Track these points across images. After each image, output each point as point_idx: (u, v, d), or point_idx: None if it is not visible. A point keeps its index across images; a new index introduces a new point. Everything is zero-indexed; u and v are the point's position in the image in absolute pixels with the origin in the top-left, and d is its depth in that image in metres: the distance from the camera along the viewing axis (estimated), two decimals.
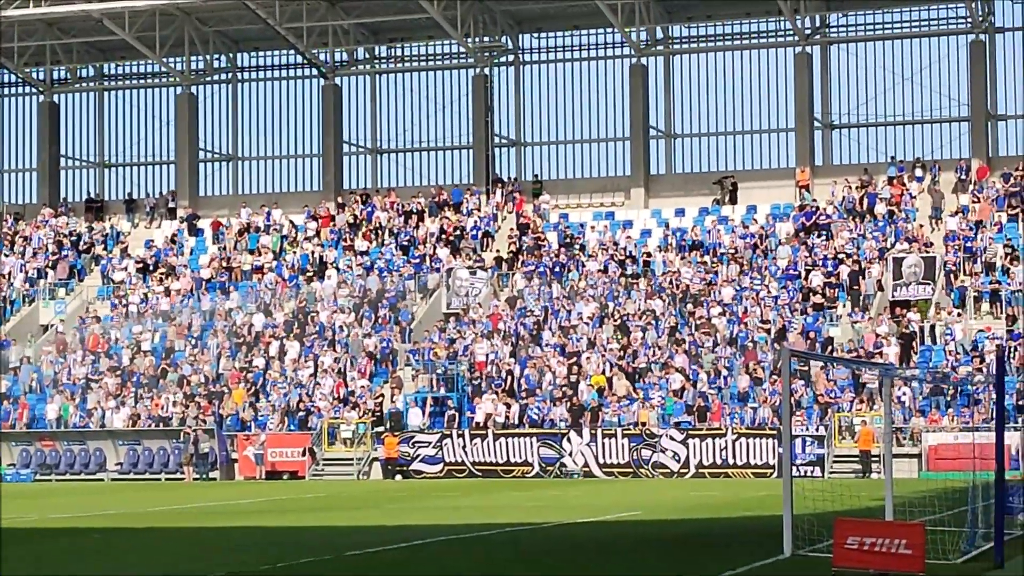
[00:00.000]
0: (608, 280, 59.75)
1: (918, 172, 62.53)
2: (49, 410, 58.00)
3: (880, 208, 60.85)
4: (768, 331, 54.45)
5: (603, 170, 69.40)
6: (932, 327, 53.69)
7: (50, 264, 67.90)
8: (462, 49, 68.85)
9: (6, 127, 75.78)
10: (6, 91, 75.60)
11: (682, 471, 49.93)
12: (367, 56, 71.75)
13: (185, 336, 61.22)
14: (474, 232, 64.24)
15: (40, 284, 66.96)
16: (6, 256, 68.75)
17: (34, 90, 74.59)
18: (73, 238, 69.54)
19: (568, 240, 63.15)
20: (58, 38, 70.14)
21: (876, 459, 47.73)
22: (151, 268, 66.66)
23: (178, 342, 60.95)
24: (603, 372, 53.79)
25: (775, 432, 48.45)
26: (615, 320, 56.85)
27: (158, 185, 74.02)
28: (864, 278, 56.86)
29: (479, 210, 65.93)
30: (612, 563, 22.21)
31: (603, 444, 50.80)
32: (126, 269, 66.92)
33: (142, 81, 74.47)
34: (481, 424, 52.79)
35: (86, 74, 74.71)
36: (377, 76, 71.82)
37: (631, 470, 50.38)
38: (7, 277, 67.46)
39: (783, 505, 21.42)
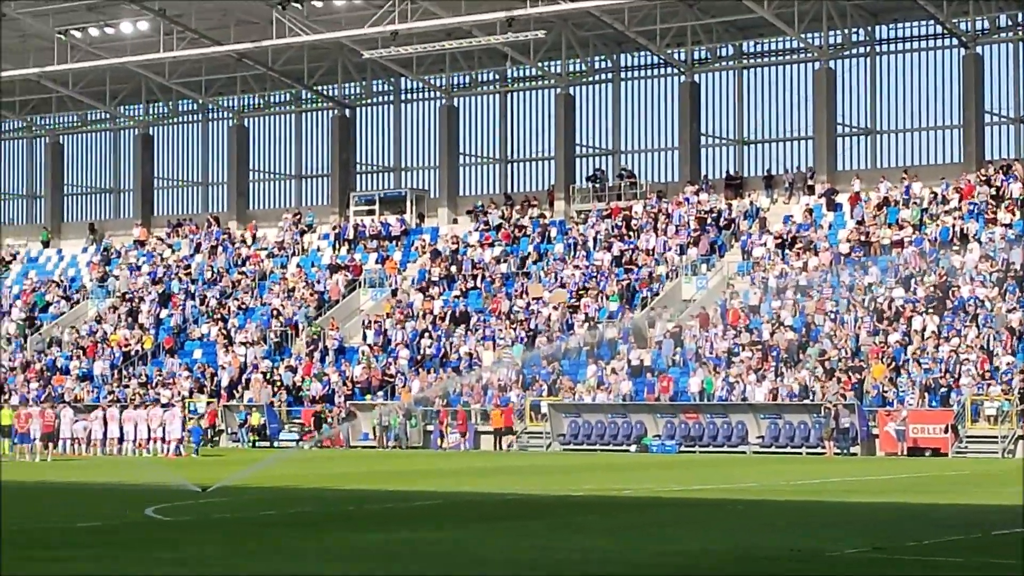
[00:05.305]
0: None
1: None
2: (692, 383, 59.33)
3: None
4: None
5: None
6: None
7: (692, 240, 69.40)
8: None
9: (650, 107, 78.13)
10: (648, 72, 77.90)
11: None
12: (1009, 24, 69.44)
13: (824, 311, 61.18)
14: None
15: (682, 260, 68.54)
16: (651, 233, 70.80)
17: (675, 71, 76.43)
18: (713, 215, 70.81)
19: None
20: (698, 18, 71.57)
21: None
22: (789, 243, 66.99)
23: (817, 317, 60.98)
24: None
25: None
26: None
27: (796, 160, 74.44)
28: None
29: None
30: None
31: None
32: (765, 245, 67.56)
33: (780, 57, 74.96)
34: None
35: (725, 53, 75.90)
36: (1021, 44, 69.45)
37: None
38: (652, 253, 69.50)
39: None
